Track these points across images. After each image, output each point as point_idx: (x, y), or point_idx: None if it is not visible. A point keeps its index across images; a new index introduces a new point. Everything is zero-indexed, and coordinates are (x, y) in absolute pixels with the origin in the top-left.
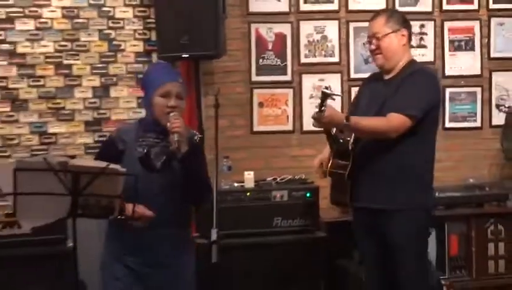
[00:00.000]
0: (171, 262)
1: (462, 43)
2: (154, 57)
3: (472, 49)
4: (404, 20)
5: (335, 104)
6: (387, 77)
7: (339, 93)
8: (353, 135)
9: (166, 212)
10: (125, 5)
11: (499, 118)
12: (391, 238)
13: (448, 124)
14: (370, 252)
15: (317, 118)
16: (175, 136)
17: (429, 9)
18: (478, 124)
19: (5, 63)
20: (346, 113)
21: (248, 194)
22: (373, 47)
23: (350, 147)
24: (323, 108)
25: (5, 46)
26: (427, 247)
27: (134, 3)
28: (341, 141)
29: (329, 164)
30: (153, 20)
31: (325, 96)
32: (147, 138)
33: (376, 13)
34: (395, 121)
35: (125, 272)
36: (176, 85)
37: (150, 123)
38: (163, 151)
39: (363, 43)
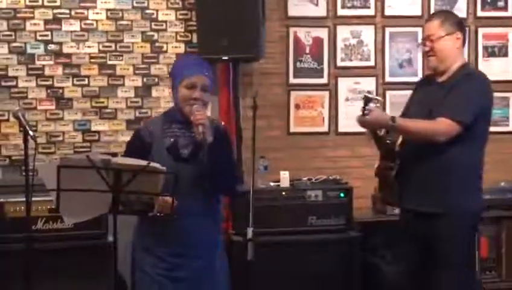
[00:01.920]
0: (202, 253)
1: (496, 49)
2: None
3: (505, 55)
4: (459, 23)
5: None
6: (439, 80)
7: (380, 98)
8: (400, 136)
9: (195, 203)
10: (168, 8)
11: None
12: (437, 242)
13: None
14: (411, 255)
15: (360, 121)
16: (199, 128)
17: (464, 15)
18: (510, 128)
19: (51, 62)
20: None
21: (283, 193)
22: (427, 49)
23: (397, 149)
24: (366, 111)
25: (52, 46)
26: (474, 253)
27: (176, 6)
28: (388, 142)
29: (377, 165)
30: (194, 23)
31: (367, 100)
32: (173, 129)
33: (432, 15)
34: (443, 125)
35: (155, 264)
36: (202, 78)
37: (175, 114)
38: (190, 141)
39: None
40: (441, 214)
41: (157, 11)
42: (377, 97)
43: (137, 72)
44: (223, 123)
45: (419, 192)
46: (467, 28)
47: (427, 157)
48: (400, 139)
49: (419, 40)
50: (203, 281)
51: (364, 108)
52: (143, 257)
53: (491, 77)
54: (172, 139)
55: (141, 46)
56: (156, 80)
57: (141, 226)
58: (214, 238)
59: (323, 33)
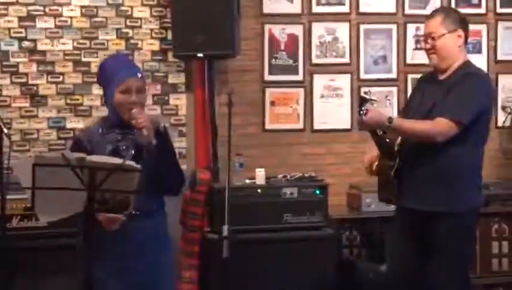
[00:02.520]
0: (148, 253)
1: (470, 46)
2: (170, 55)
3: (479, 52)
4: (461, 21)
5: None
6: (441, 77)
7: (376, 99)
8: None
9: (141, 204)
10: (143, 5)
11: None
12: (436, 239)
13: None
14: (407, 253)
15: (358, 122)
16: (144, 131)
17: None
18: None
19: (25, 59)
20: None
21: (259, 190)
22: (428, 46)
23: (396, 148)
24: (362, 112)
25: (26, 43)
26: (472, 250)
27: (151, 3)
28: (388, 141)
29: (376, 163)
30: (169, 20)
31: (362, 100)
32: (113, 134)
33: (433, 12)
34: (441, 126)
35: (105, 266)
36: (135, 80)
37: (113, 119)
38: (132, 145)
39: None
40: (440, 213)
41: (132, 7)
42: (372, 98)
43: None
44: (164, 123)
45: (420, 191)
46: None
47: (427, 157)
48: (400, 138)
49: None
50: (147, 276)
51: (360, 109)
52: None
53: None
54: (112, 146)
55: (116, 43)
56: None
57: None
58: (159, 239)
59: (298, 30)
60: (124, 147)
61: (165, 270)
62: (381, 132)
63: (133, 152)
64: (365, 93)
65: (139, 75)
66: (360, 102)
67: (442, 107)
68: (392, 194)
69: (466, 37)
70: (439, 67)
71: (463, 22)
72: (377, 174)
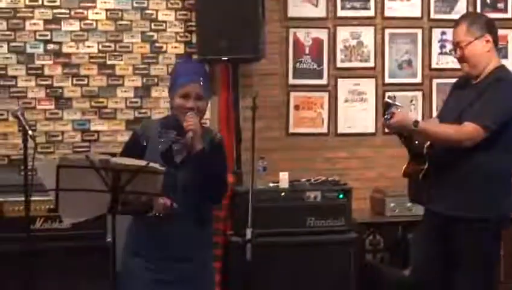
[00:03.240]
0: (190, 258)
1: None
2: (194, 59)
3: (505, 56)
4: (487, 25)
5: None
6: (474, 82)
7: (400, 104)
8: None
9: (186, 209)
10: (168, 8)
11: None
12: (460, 245)
13: None
14: (428, 254)
15: (385, 125)
16: (189, 133)
17: None
18: None
19: (50, 62)
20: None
21: (282, 194)
22: (457, 56)
23: (425, 151)
24: (387, 116)
25: (51, 46)
26: (498, 257)
27: (176, 6)
28: (416, 144)
29: (405, 166)
30: (194, 24)
31: (387, 105)
32: (169, 134)
33: (458, 19)
34: (468, 130)
35: (145, 267)
36: (195, 86)
37: (172, 120)
38: (184, 148)
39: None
40: (467, 219)
41: (157, 11)
42: (397, 103)
43: (136, 72)
44: (219, 135)
45: (447, 196)
46: None
47: (455, 162)
48: (428, 142)
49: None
50: (192, 284)
51: (385, 114)
52: (132, 261)
53: None
54: (165, 145)
55: (141, 47)
56: (156, 80)
57: (132, 230)
58: (203, 243)
59: (323, 34)
60: (176, 149)
61: (204, 275)
62: (407, 135)
63: (183, 155)
64: (389, 98)
65: (201, 80)
66: (385, 107)
67: (470, 112)
68: (421, 196)
69: (495, 41)
70: (471, 75)
71: (490, 26)
72: (406, 176)
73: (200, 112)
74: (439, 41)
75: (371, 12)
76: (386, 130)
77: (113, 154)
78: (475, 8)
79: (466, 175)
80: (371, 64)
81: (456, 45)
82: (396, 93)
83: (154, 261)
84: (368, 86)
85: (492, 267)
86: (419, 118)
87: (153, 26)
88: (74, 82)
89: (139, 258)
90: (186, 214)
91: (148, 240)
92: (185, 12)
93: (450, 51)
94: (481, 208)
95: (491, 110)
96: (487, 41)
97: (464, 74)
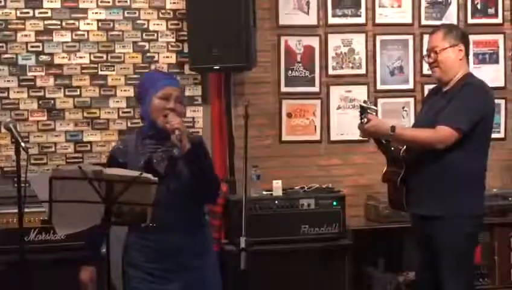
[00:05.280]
0: (193, 265)
1: (486, 56)
2: (186, 68)
3: (496, 62)
4: (462, 36)
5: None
6: (444, 89)
7: (375, 107)
8: None
9: (178, 216)
10: (159, 18)
11: None
12: (437, 245)
13: None
14: (420, 258)
15: (360, 129)
16: (176, 132)
17: (454, 22)
18: (502, 135)
19: (42, 73)
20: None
21: (276, 202)
22: (431, 60)
23: (402, 155)
24: (363, 120)
25: (43, 57)
26: (473, 256)
27: (167, 16)
28: (393, 148)
29: (384, 171)
30: (186, 33)
31: (362, 109)
32: (147, 146)
33: (436, 27)
34: (442, 133)
35: (145, 280)
36: (176, 89)
37: (147, 130)
38: (165, 156)
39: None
40: (440, 219)
41: (148, 21)
42: (372, 106)
43: (129, 82)
44: (198, 135)
45: (422, 197)
46: None
47: (429, 163)
48: (405, 146)
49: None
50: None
51: (361, 118)
52: (132, 273)
53: None
54: (145, 158)
55: (133, 57)
56: None
57: (129, 242)
58: (202, 250)
59: (314, 42)
60: (157, 159)
61: (210, 279)
62: (384, 140)
63: (165, 164)
64: (364, 102)
65: (179, 86)
66: (360, 111)
67: (442, 116)
68: (400, 201)
69: (467, 52)
70: (442, 80)
71: (464, 37)
72: (385, 181)
73: (181, 116)
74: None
75: (362, 20)
76: (362, 137)
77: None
78: (466, 13)
79: (438, 176)
80: (363, 71)
81: (431, 49)
82: (389, 100)
83: (154, 273)
84: (360, 92)
85: (470, 265)
86: (410, 124)
87: (144, 36)
88: (66, 93)
89: (136, 270)
90: (180, 222)
91: (144, 251)
92: (176, 21)
93: (422, 57)
94: (454, 207)
95: (462, 113)
96: (460, 50)
97: (435, 79)
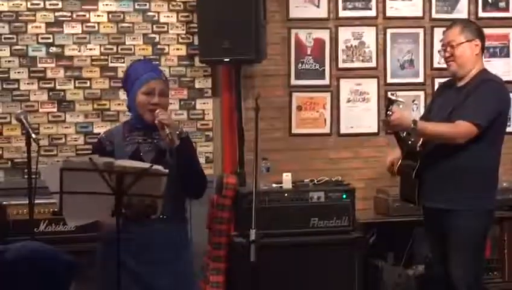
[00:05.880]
0: (170, 258)
1: (497, 50)
2: (197, 60)
3: (507, 55)
4: (478, 31)
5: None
6: (459, 84)
7: (403, 100)
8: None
9: (166, 209)
10: (169, 10)
11: None
12: (449, 237)
13: None
14: (434, 250)
15: (385, 122)
16: (165, 129)
17: (465, 16)
18: (511, 128)
19: (53, 65)
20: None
21: (286, 195)
22: (447, 54)
23: (418, 149)
24: (388, 112)
25: (53, 49)
26: (484, 249)
27: (177, 8)
28: (410, 142)
29: (399, 164)
30: (196, 25)
31: (390, 102)
32: (134, 137)
33: (452, 22)
34: (462, 128)
35: (126, 274)
36: (159, 82)
37: (135, 122)
38: (152, 148)
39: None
40: (454, 212)
41: (158, 13)
42: (399, 99)
43: None
44: (185, 130)
45: (437, 190)
46: None
47: (446, 158)
48: (421, 140)
49: (421, 41)
50: (173, 286)
51: (387, 110)
52: (113, 267)
53: None
54: (132, 148)
55: (143, 49)
56: None
57: (110, 236)
58: (181, 246)
59: (324, 34)
60: (144, 150)
61: (184, 279)
62: (404, 134)
63: (153, 155)
64: (392, 94)
65: (163, 78)
66: (388, 103)
67: (461, 111)
68: (413, 194)
69: (483, 47)
70: (457, 74)
71: (480, 33)
72: (399, 175)
73: (165, 109)
74: (440, 41)
75: (372, 13)
76: (385, 129)
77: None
78: (477, 7)
79: (456, 170)
80: (373, 64)
81: (448, 44)
82: (399, 93)
83: (132, 265)
84: (370, 86)
85: (481, 258)
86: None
87: (154, 28)
88: (76, 85)
89: (114, 261)
90: (163, 215)
91: (124, 244)
92: (186, 14)
93: (438, 51)
94: (470, 201)
95: (481, 108)
96: (476, 45)
97: (450, 73)
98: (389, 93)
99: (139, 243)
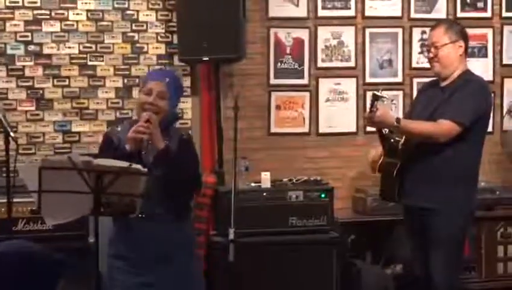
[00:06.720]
0: (173, 256)
1: (475, 50)
2: (176, 59)
3: (485, 56)
4: (462, 32)
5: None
6: (442, 84)
7: (388, 97)
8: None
9: (163, 207)
10: (149, 9)
11: (510, 123)
12: (429, 236)
13: None
14: (414, 249)
15: (369, 118)
16: (128, 135)
17: (443, 16)
18: (489, 128)
19: (31, 63)
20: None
21: (265, 194)
22: (431, 55)
23: (400, 147)
24: (373, 109)
25: (32, 47)
26: (462, 249)
27: (157, 7)
28: (392, 140)
29: (380, 161)
30: (175, 24)
31: (375, 97)
32: None
33: (436, 23)
34: (444, 126)
35: (127, 271)
36: (159, 84)
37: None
38: (153, 148)
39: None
40: (436, 209)
41: (137, 11)
42: (384, 95)
43: (117, 73)
44: (186, 134)
45: (417, 188)
46: None
47: (426, 156)
48: (404, 138)
49: (399, 41)
50: (175, 285)
51: (372, 106)
52: (115, 264)
53: None
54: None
55: (122, 47)
56: (137, 80)
57: (113, 234)
58: (185, 242)
59: (304, 34)
60: (145, 150)
61: (191, 271)
62: (387, 131)
63: (154, 155)
64: (377, 90)
65: (166, 81)
66: (373, 99)
67: (444, 109)
68: (393, 192)
69: (466, 48)
70: (441, 75)
71: (464, 34)
72: (379, 172)
73: (161, 111)
74: (419, 41)
75: (351, 12)
76: (368, 126)
77: (95, 156)
78: (455, 7)
79: (438, 168)
80: (352, 63)
81: (432, 44)
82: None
83: (134, 263)
84: (349, 85)
85: (460, 257)
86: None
87: (133, 27)
88: (55, 83)
89: (120, 261)
90: (164, 213)
91: (127, 241)
92: (166, 12)
93: (421, 52)
94: (451, 199)
95: (464, 107)
96: (460, 46)
97: (434, 74)
98: (378, 91)
99: (140, 239)
